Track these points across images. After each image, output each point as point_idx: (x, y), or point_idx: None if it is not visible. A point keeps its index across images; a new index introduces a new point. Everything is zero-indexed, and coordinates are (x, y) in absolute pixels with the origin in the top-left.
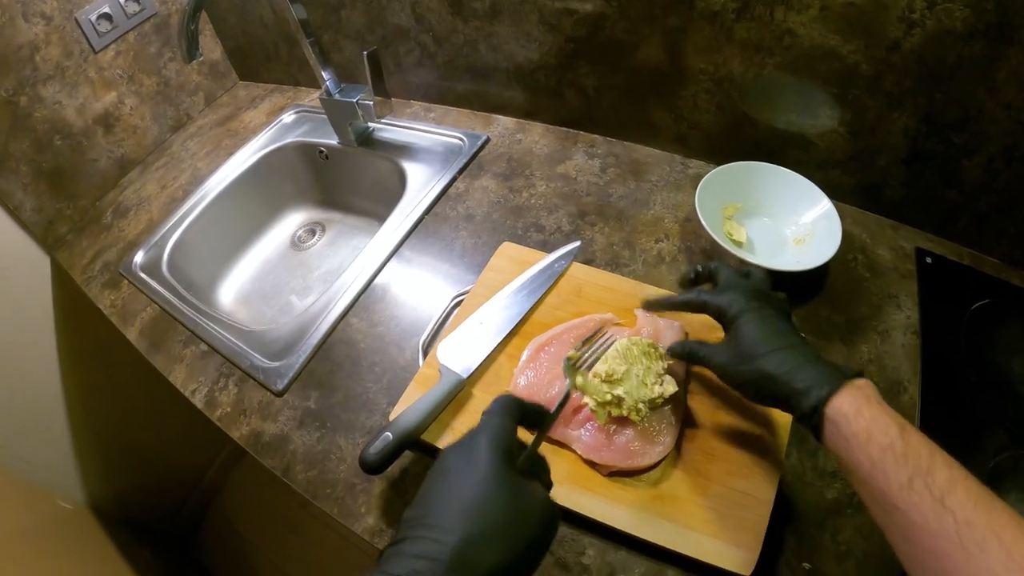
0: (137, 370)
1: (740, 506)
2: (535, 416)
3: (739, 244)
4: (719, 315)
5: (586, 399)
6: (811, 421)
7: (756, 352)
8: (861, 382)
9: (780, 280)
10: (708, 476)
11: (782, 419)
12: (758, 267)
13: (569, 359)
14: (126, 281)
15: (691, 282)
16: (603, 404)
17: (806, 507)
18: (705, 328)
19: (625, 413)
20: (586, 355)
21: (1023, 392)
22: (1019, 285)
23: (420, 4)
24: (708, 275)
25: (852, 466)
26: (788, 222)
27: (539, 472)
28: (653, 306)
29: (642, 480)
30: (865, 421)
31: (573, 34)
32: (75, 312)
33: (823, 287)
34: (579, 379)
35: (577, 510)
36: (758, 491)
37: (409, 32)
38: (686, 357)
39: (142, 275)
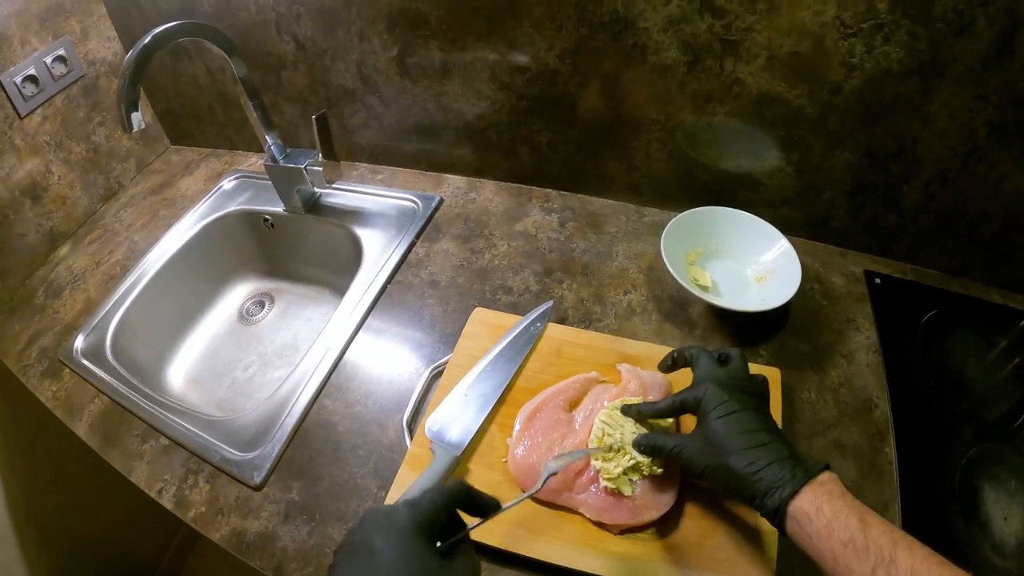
0: (83, 457)
1: (749, 541)
2: (481, 507)
3: (705, 288)
4: (694, 409)
5: (606, 483)
6: (775, 520)
7: (724, 450)
8: (825, 477)
9: (748, 318)
10: (714, 518)
11: None
12: (737, 351)
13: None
14: (68, 369)
15: (668, 367)
16: (620, 478)
17: None
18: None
19: (647, 473)
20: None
21: (981, 390)
22: (961, 292)
23: (366, 65)
24: (685, 361)
25: (817, 560)
26: (749, 262)
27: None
28: (642, 415)
29: (653, 533)
30: (826, 518)
31: (526, 91)
32: (9, 398)
33: (787, 319)
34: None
35: (596, 573)
36: (764, 524)
37: (355, 93)
38: (654, 452)
39: (85, 362)
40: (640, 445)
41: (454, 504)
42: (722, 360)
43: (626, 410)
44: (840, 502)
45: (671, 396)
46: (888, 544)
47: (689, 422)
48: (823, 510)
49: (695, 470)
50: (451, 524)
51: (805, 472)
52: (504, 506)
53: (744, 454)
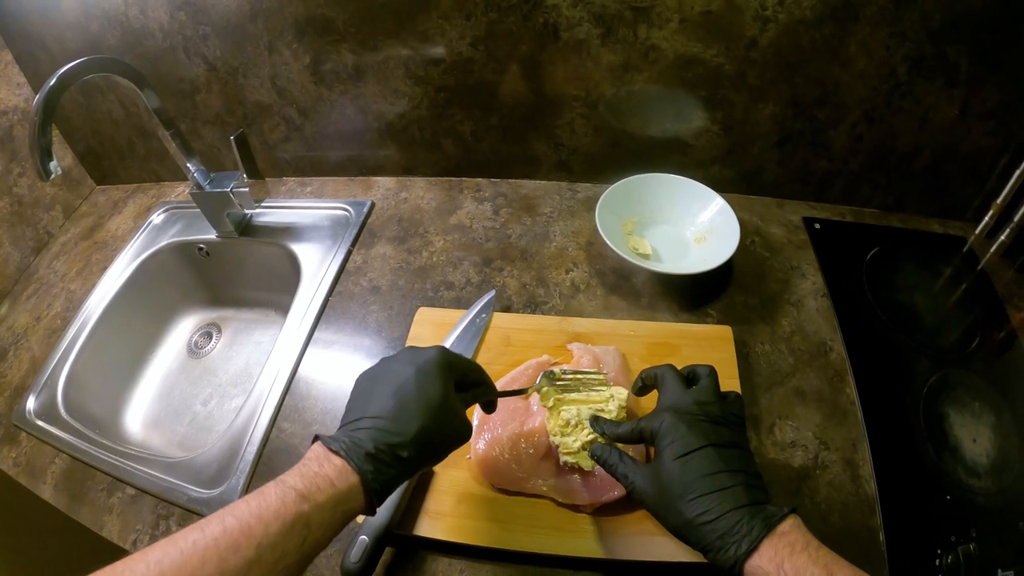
0: (59, 528)
1: None
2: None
3: (645, 256)
4: (651, 441)
5: (565, 459)
6: None
7: (676, 494)
8: (787, 526)
9: (693, 280)
10: None
11: None
12: (707, 369)
13: (552, 374)
14: (24, 433)
15: (640, 390)
16: (580, 453)
17: (779, 480)
18: (652, 354)
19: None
20: (568, 377)
21: (932, 319)
22: (901, 227)
23: (280, 76)
24: (653, 381)
25: None
26: (686, 224)
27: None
28: (605, 434)
29: (626, 506)
30: None
31: (442, 83)
32: None
33: (732, 276)
34: (545, 389)
35: (576, 554)
36: None
37: (271, 107)
38: (602, 464)
39: (40, 423)
40: (594, 454)
41: (471, 372)
42: (690, 379)
43: (594, 422)
44: (803, 556)
45: (632, 422)
46: None
47: None
48: (784, 568)
49: (643, 507)
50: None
51: (765, 523)
52: (500, 393)
53: (697, 502)
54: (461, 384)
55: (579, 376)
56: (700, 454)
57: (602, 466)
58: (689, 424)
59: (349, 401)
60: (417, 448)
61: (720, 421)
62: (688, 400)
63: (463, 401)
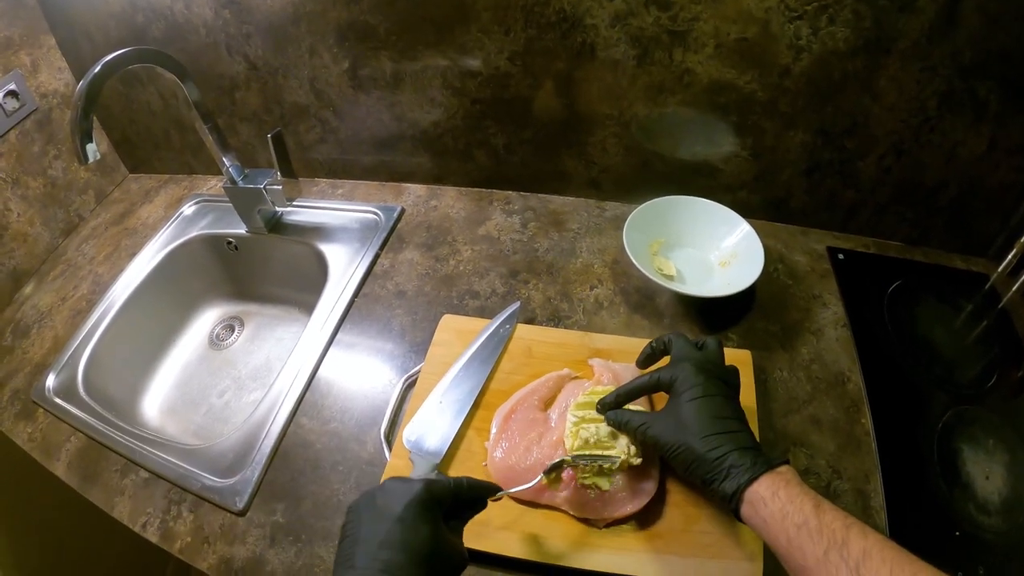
0: (65, 505)
1: (733, 524)
2: (483, 496)
3: (670, 277)
4: (668, 388)
5: (582, 477)
6: (730, 503)
7: (691, 432)
8: (784, 468)
9: (715, 304)
10: (698, 504)
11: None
12: (714, 338)
13: (560, 464)
14: (41, 409)
15: (648, 358)
16: (597, 476)
17: None
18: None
19: (620, 468)
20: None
21: (951, 355)
22: (924, 261)
23: (319, 79)
24: (664, 347)
25: (772, 543)
26: (711, 248)
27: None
28: (610, 405)
29: (638, 523)
30: (781, 502)
31: (478, 95)
32: None
33: (754, 301)
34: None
35: (586, 567)
36: None
37: (308, 109)
38: (620, 427)
39: (58, 401)
40: (609, 420)
41: (463, 492)
42: (699, 346)
43: (602, 407)
44: (796, 488)
45: (648, 374)
46: (841, 528)
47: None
48: (779, 495)
49: (660, 449)
50: (453, 508)
51: (766, 462)
52: (504, 491)
53: (710, 439)
54: (455, 508)
55: (592, 458)
56: (714, 399)
57: (619, 428)
58: (705, 375)
59: (339, 541)
60: None
61: (726, 381)
62: (700, 356)
63: (462, 521)
